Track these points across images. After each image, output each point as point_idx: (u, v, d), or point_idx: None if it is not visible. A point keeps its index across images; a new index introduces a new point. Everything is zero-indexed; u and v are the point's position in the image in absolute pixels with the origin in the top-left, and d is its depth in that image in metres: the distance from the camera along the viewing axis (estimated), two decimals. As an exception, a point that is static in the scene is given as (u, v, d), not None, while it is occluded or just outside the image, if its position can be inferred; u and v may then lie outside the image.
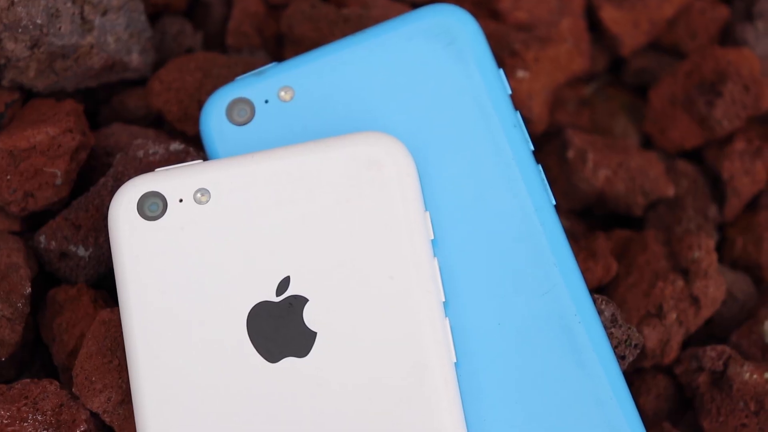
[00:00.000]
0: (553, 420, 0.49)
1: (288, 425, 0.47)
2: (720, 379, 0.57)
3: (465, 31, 0.52)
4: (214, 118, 0.52)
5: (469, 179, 0.51)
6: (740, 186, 0.63)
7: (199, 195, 0.49)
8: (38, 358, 0.57)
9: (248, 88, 0.52)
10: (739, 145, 0.63)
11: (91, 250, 0.55)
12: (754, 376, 0.56)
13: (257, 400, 0.48)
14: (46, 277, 0.57)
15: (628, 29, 0.65)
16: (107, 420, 0.51)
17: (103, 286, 0.56)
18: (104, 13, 0.57)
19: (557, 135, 0.64)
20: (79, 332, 0.54)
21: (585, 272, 0.59)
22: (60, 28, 0.56)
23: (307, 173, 0.49)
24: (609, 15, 0.66)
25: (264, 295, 0.49)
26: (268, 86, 0.52)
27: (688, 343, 0.60)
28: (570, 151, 0.62)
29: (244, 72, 0.58)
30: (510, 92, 0.52)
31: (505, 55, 0.62)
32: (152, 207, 0.50)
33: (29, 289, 0.54)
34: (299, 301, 0.49)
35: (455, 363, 0.48)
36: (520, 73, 0.62)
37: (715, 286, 0.59)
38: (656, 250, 0.60)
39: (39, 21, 0.55)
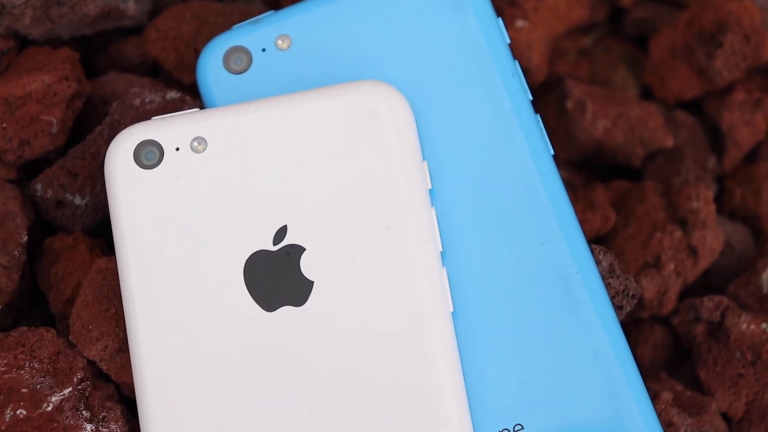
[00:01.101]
0: (550, 370, 0.49)
1: (284, 374, 0.47)
2: (717, 330, 0.57)
3: (463, -20, 0.52)
4: (210, 66, 0.52)
5: (467, 129, 0.51)
6: (739, 137, 0.63)
7: (195, 143, 0.49)
8: (35, 306, 0.57)
9: (245, 37, 0.52)
10: (739, 95, 0.63)
11: (87, 198, 0.55)
12: (751, 326, 0.56)
13: (254, 349, 0.48)
14: (42, 226, 0.57)
15: (628, -22, 0.65)
16: (104, 368, 0.51)
17: (99, 234, 0.56)
18: (100, -40, 0.57)
19: (556, 86, 0.64)
20: (75, 281, 0.54)
21: (583, 223, 0.58)
22: (55, -25, 0.56)
23: (304, 122, 0.49)
24: (609, -36, 0.65)
25: (261, 244, 0.49)
26: (265, 35, 0.52)
27: (685, 293, 0.61)
28: (569, 102, 0.62)
29: (240, 20, 0.57)
30: (509, 42, 0.52)
31: (503, 5, 0.62)
32: (149, 155, 0.49)
33: (26, 238, 0.53)
34: (296, 251, 0.48)
35: (452, 313, 0.48)
36: (519, 23, 0.61)
37: (713, 237, 0.59)
38: (655, 201, 0.60)
39: (34, -32, 0.55)
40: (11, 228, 0.53)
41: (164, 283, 0.48)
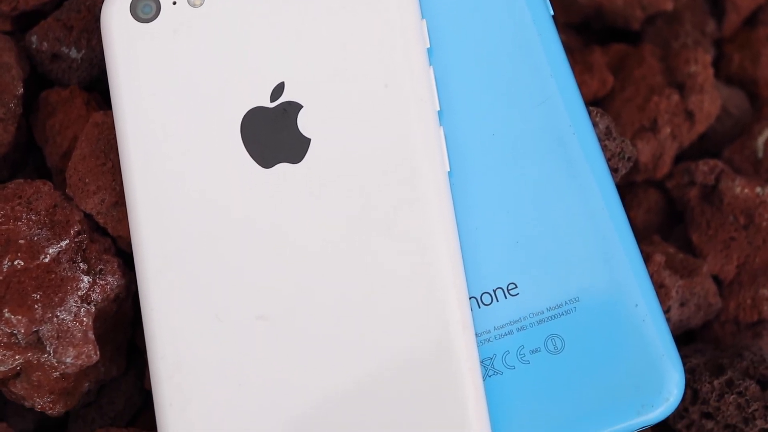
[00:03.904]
0: (544, 230, 0.49)
1: (280, 230, 0.48)
2: (711, 194, 0.57)
3: None
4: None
5: (466, -11, 0.51)
6: (739, 1, 0.62)
7: (193, -3, 0.49)
8: (31, 160, 0.57)
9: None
10: (740, -41, 0.62)
11: (83, 52, 0.54)
12: (745, 190, 0.56)
13: (250, 205, 0.48)
14: (38, 79, 0.56)
15: None
16: (101, 221, 0.51)
17: (96, 88, 0.56)
18: None
19: (556, -53, 0.63)
20: (72, 134, 0.54)
21: (581, 86, 0.58)
22: None
23: (302, -22, 0.48)
24: None
25: (258, 100, 0.48)
26: None
27: (680, 157, 0.61)
28: (569, -37, 0.61)
29: None
30: None
31: None
32: (145, 9, 0.49)
33: (21, 90, 0.53)
34: (293, 107, 0.48)
35: (448, 172, 0.49)
36: None
37: (710, 101, 0.59)
38: (653, 64, 0.60)
39: None
40: (6, 80, 0.53)
41: (161, 136, 0.48)
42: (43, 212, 0.50)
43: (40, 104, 0.55)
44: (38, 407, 0.51)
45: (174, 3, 0.49)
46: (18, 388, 0.50)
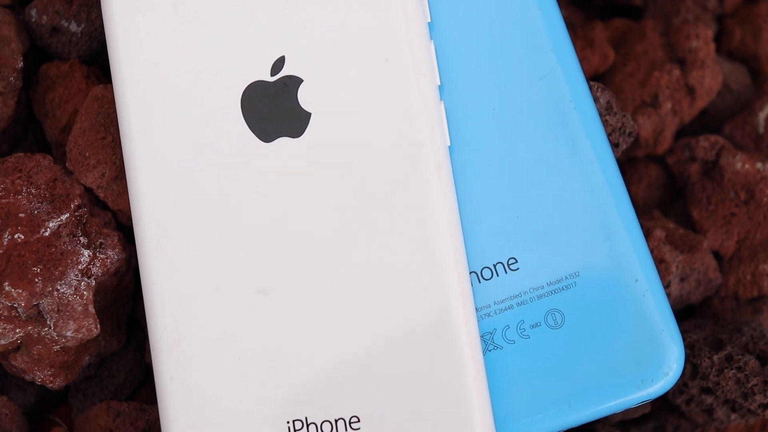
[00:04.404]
0: (545, 205, 0.49)
1: (280, 204, 0.48)
2: (711, 169, 0.57)
3: None
4: None
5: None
6: (741, -24, 0.62)
7: (193, -31, 0.49)
8: (31, 134, 0.57)
9: None
10: (743, -67, 0.62)
11: (83, 25, 0.54)
12: (746, 165, 0.56)
13: (250, 179, 0.48)
14: (38, 53, 0.56)
15: None
16: (101, 195, 0.51)
17: (96, 62, 0.56)
18: None
19: None
20: (72, 108, 0.54)
21: (582, 61, 0.58)
22: None
23: (303, -50, 0.48)
24: None
25: (258, 74, 0.48)
26: None
27: (681, 133, 0.61)
28: (571, -63, 0.61)
29: None
30: None
31: None
32: (145, -18, 0.49)
33: (21, 63, 0.53)
34: (294, 81, 0.48)
35: (449, 147, 0.49)
36: None
37: (712, 77, 0.58)
38: (654, 39, 0.60)
39: None
40: (6, 53, 0.53)
41: (161, 111, 0.48)
42: (43, 186, 0.50)
43: (40, 78, 0.55)
44: (39, 380, 0.51)
45: (174, -24, 0.49)
46: (18, 362, 0.50)
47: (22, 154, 0.51)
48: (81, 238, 0.50)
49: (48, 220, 0.50)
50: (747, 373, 0.52)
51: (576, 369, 0.48)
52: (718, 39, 0.63)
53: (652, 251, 0.54)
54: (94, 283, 0.50)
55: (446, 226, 0.47)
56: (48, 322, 0.49)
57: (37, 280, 0.49)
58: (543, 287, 0.48)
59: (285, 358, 0.47)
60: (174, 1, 0.49)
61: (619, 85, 0.59)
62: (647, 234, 0.54)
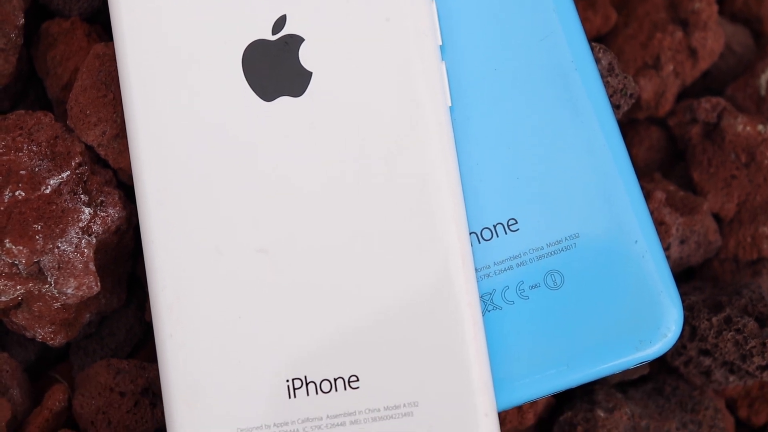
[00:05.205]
0: (545, 166, 0.49)
1: (281, 163, 0.48)
2: (713, 131, 0.57)
3: None
4: None
5: None
6: (745, -63, 0.62)
7: (194, -74, 0.48)
8: (32, 91, 0.57)
9: None
10: None
11: (84, -18, 0.54)
12: (747, 128, 0.56)
13: (251, 138, 0.48)
14: (39, 10, 0.56)
15: None
16: (102, 153, 0.51)
17: (97, 20, 0.56)
18: None
19: None
20: (73, 66, 0.53)
21: (584, 22, 0.58)
22: None
23: None
24: None
25: (259, 33, 0.48)
26: None
27: (683, 95, 0.61)
28: None
29: None
30: None
31: None
32: (147, -61, 0.49)
33: (22, 20, 0.53)
34: (295, 40, 0.48)
35: (450, 107, 0.48)
36: None
37: (714, 38, 0.58)
38: (656, 0, 0.59)
39: None
40: (7, 10, 0.53)
41: (162, 69, 0.48)
42: (44, 143, 0.50)
43: (41, 35, 0.55)
44: (39, 338, 0.51)
45: (176, -66, 0.49)
46: (19, 319, 0.51)
47: (23, 112, 0.51)
48: (82, 196, 0.50)
49: (49, 178, 0.50)
50: (745, 335, 0.52)
51: (575, 330, 0.48)
52: (720, 1, 0.63)
53: (652, 213, 0.54)
54: (94, 240, 0.50)
55: (446, 186, 0.47)
56: (49, 280, 0.49)
57: (37, 237, 0.49)
58: (542, 248, 0.49)
59: (285, 317, 0.47)
60: (175, -41, 0.49)
61: (621, 46, 0.59)
62: (647, 196, 0.54)
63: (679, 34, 0.58)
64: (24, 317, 0.51)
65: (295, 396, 0.47)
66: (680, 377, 0.56)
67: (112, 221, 0.51)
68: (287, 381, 0.47)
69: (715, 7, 0.58)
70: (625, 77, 0.53)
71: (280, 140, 0.48)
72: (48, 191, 0.50)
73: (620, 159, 0.49)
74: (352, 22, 0.48)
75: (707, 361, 0.54)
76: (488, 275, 0.49)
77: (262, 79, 0.48)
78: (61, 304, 0.50)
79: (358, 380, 0.47)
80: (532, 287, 0.48)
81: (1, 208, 0.49)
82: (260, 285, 0.47)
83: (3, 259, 0.49)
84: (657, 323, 0.48)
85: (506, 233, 0.49)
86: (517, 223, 0.49)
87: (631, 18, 0.59)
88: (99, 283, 0.50)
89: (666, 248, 0.55)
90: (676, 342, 0.53)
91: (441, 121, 0.48)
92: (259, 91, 0.48)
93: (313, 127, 0.48)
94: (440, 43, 0.49)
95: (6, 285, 0.49)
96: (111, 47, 0.52)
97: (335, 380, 0.47)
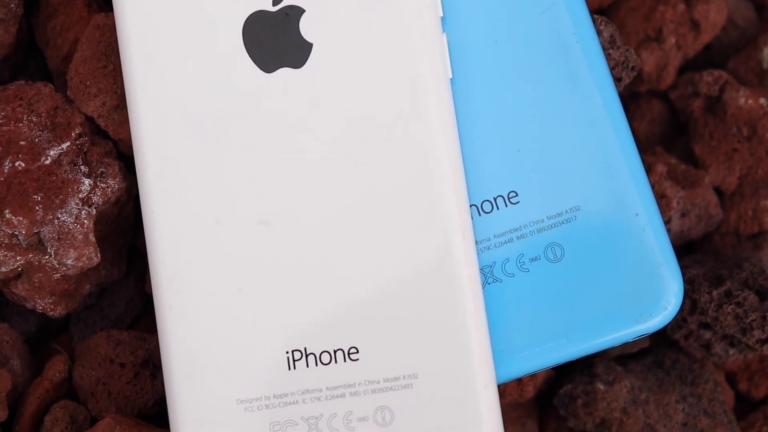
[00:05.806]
0: (546, 139, 0.49)
1: (282, 135, 0.47)
2: (715, 105, 0.57)
3: None
4: None
5: None
6: None
7: None
8: (33, 62, 0.56)
9: None
10: None
11: (84, -47, 0.54)
12: (749, 101, 0.56)
13: (251, 109, 0.48)
14: (39, -20, 0.56)
15: None
16: (102, 124, 0.51)
17: (97, -10, 0.56)
18: None
19: None
20: (73, 36, 0.53)
21: (586, -6, 0.58)
22: None
23: None
24: None
25: (260, 4, 0.48)
26: None
27: (685, 68, 0.60)
28: None
29: None
30: None
31: None
32: None
33: (22, -9, 0.53)
34: (295, 11, 0.48)
35: (451, 79, 0.48)
36: None
37: (717, 11, 0.58)
38: (659, -27, 0.59)
39: None
40: (7, -20, 0.53)
41: (162, 40, 0.48)
42: (44, 114, 0.50)
43: (42, 6, 0.55)
44: (39, 308, 0.51)
45: None
46: (19, 289, 0.51)
47: (23, 82, 0.51)
48: (82, 167, 0.50)
49: (49, 149, 0.50)
50: (746, 308, 0.52)
51: (575, 302, 0.48)
52: (724, -27, 0.63)
53: (653, 186, 0.54)
54: (94, 211, 0.50)
55: (446, 158, 0.47)
56: (48, 250, 0.49)
57: (37, 208, 0.49)
58: (543, 221, 0.48)
59: (285, 289, 0.47)
60: (176, -70, 0.48)
61: (622, 19, 0.59)
62: (648, 169, 0.54)
63: (682, 6, 0.58)
64: (24, 288, 0.51)
65: (294, 367, 0.47)
66: (680, 350, 0.56)
67: (112, 192, 0.51)
68: (287, 352, 0.47)
69: (718, -20, 0.58)
70: (627, 50, 0.53)
71: (279, 111, 0.48)
72: (48, 162, 0.50)
73: (621, 132, 0.49)
74: (352, -7, 0.48)
75: (707, 335, 0.54)
76: (488, 248, 0.49)
77: (262, 51, 0.48)
78: (61, 275, 0.50)
79: (357, 352, 0.47)
80: (532, 260, 0.48)
81: (1, 179, 0.49)
82: (261, 257, 0.47)
83: (3, 230, 0.49)
84: (657, 296, 0.48)
85: (506, 206, 0.49)
86: (517, 195, 0.49)
87: (634, -10, 0.59)
88: (99, 254, 0.50)
89: (667, 221, 0.55)
90: (677, 315, 0.53)
91: (441, 94, 0.47)
92: (259, 62, 0.48)
93: (313, 99, 0.47)
94: (441, 15, 0.48)
95: (6, 256, 0.49)
96: (111, 18, 0.52)
97: (335, 352, 0.47)
